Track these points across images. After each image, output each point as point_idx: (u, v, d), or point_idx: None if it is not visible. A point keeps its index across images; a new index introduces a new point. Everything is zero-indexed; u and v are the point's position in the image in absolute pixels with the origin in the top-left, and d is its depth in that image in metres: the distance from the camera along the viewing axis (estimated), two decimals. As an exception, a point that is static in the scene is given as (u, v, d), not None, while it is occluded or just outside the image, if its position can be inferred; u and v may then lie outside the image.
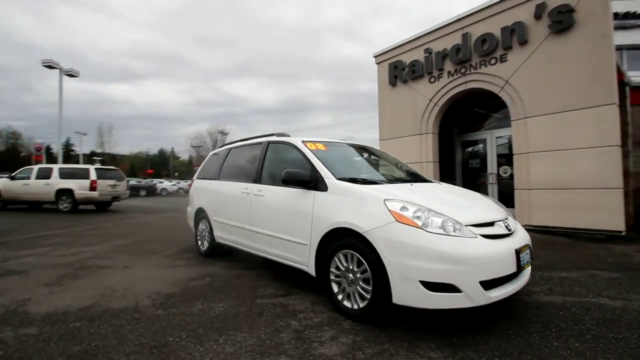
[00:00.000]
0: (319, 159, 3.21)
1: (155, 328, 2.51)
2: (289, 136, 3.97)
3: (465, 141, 9.26)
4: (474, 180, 8.82)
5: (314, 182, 3.04)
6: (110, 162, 43.28)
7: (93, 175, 11.95)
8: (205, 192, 4.90)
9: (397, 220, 2.38)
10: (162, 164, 62.76)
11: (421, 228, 2.31)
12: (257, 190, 3.71)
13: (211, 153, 5.40)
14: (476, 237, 2.34)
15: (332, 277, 2.82)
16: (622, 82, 6.58)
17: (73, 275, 3.95)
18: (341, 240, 2.72)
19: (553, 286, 3.40)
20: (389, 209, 2.45)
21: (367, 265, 2.50)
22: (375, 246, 2.41)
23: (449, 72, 7.89)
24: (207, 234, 4.80)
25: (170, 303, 3.04)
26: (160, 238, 6.65)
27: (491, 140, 8.58)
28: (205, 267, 4.28)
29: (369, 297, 2.50)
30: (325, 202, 2.89)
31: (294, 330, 2.46)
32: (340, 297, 2.74)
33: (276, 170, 3.80)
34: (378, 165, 3.95)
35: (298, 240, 3.11)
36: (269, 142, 3.94)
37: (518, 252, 2.45)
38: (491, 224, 2.57)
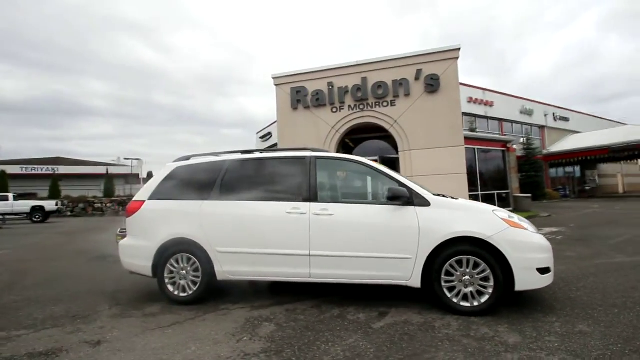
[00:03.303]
0: (404, 177, 3.42)
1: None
2: (328, 151, 3.85)
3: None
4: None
5: (411, 198, 3.24)
6: None
7: None
8: (191, 216, 3.71)
9: (510, 226, 3.06)
10: None
11: (526, 230, 3.10)
12: (320, 210, 3.37)
13: (177, 165, 4.10)
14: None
15: (443, 283, 3.10)
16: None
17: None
18: (454, 248, 3.08)
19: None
20: (500, 218, 3.10)
21: (486, 265, 3.00)
22: (499, 247, 2.97)
23: (349, 106, 9.32)
24: (192, 273, 3.65)
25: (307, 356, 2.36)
26: (27, 295, 4.18)
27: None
28: (226, 316, 3.31)
29: (490, 292, 2.99)
30: (432, 216, 3.16)
31: (462, 336, 2.60)
32: (455, 300, 3.06)
33: (343, 188, 3.62)
34: None
35: (399, 255, 3.16)
36: (316, 158, 3.65)
37: None
38: None
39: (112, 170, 40.15)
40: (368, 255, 3.24)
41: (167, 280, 3.71)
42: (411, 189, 3.28)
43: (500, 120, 23.14)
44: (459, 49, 8.48)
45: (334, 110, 9.49)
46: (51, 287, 4.63)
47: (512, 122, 23.90)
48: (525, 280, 2.96)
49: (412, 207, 3.23)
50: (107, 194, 34.47)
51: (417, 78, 8.72)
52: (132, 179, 43.03)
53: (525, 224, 3.21)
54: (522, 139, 22.52)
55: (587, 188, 27.75)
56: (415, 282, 3.15)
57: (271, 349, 2.51)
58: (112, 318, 3.32)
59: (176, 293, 3.68)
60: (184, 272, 3.68)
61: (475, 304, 3.02)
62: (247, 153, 4.05)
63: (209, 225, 3.62)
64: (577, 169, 27.92)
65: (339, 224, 3.33)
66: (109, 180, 35.92)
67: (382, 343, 2.54)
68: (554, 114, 26.48)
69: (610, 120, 31.78)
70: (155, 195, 3.97)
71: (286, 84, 9.89)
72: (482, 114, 21.89)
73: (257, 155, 3.95)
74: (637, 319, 2.79)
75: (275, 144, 31.35)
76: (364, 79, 9.11)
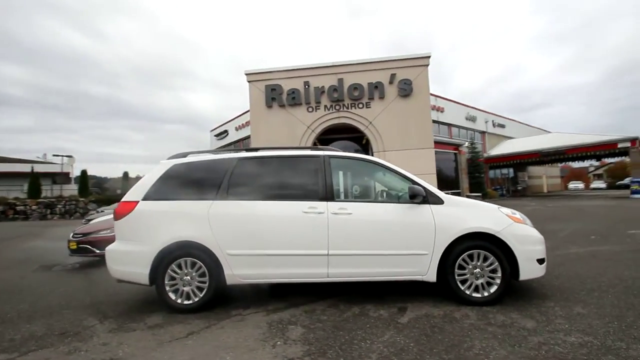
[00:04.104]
0: (416, 177, 3.56)
1: None
2: (338, 150, 3.87)
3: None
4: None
5: (427, 197, 3.38)
6: None
7: None
8: (198, 217, 3.45)
9: (514, 222, 3.35)
10: None
11: (526, 224, 3.42)
12: (338, 209, 3.37)
13: (175, 163, 3.78)
14: None
15: (456, 276, 3.29)
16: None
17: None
18: (467, 243, 3.28)
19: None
20: (505, 214, 3.38)
21: (495, 258, 3.26)
22: (507, 241, 3.24)
23: (325, 106, 9.39)
24: (197, 278, 3.43)
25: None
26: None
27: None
28: (243, 322, 3.17)
29: (498, 282, 3.25)
30: (446, 214, 3.34)
31: (486, 324, 2.80)
32: (467, 292, 3.27)
33: (356, 187, 3.64)
34: None
35: (415, 251, 3.29)
36: (330, 157, 3.64)
37: None
38: None
39: (38, 168, 35.36)
40: (386, 253, 3.32)
41: (168, 288, 3.42)
42: (426, 188, 3.43)
43: (449, 125, 25.03)
44: (429, 56, 9.02)
45: (310, 109, 9.49)
46: (10, 302, 4.01)
47: (459, 127, 25.97)
48: (528, 270, 3.27)
49: (428, 205, 3.38)
50: (31, 194, 30.33)
51: (391, 82, 9.10)
52: (61, 178, 38.46)
53: (524, 219, 3.54)
54: (466, 143, 24.59)
55: (519, 188, 31.25)
56: (431, 276, 3.30)
57: (312, 351, 2.45)
58: (112, 333, 2.97)
59: (179, 301, 3.41)
60: (188, 277, 3.43)
61: (486, 294, 3.26)
62: (252, 151, 3.89)
63: (219, 227, 3.41)
64: (511, 170, 31.28)
65: (358, 222, 3.36)
66: (34, 179, 31.60)
67: (417, 337, 2.62)
68: (492, 121, 29.36)
69: (537, 128, 36.15)
70: (151, 196, 3.62)
71: (260, 81, 9.64)
72: (435, 118, 23.40)
73: (267, 153, 3.81)
74: (617, 300, 3.24)
75: (232, 143, 30.35)
76: (340, 80, 9.25)
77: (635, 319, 2.77)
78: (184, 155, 3.94)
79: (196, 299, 3.40)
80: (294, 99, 9.51)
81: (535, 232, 3.42)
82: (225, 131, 31.54)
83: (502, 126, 30.80)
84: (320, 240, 3.34)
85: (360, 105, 9.39)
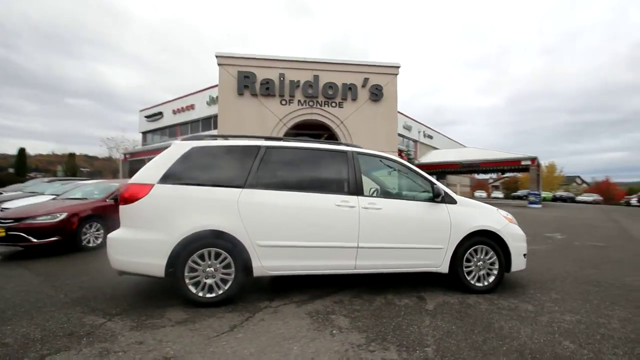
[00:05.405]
0: (434, 178, 3.91)
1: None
2: (361, 147, 4.03)
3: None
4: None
5: (444, 197, 3.76)
6: None
7: None
8: (227, 205, 3.25)
9: (508, 222, 3.93)
10: None
11: (515, 224, 4.04)
12: (368, 204, 3.53)
13: (194, 145, 3.46)
14: None
15: (464, 268, 3.74)
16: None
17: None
18: (474, 239, 3.75)
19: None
20: (502, 215, 3.95)
21: (494, 252, 3.79)
22: (504, 238, 3.79)
23: (299, 101, 9.38)
24: (221, 270, 3.26)
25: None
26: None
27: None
28: (280, 314, 3.13)
29: (495, 273, 3.79)
30: (459, 213, 3.75)
31: (498, 309, 3.27)
32: (472, 281, 3.74)
33: (386, 184, 3.84)
34: None
35: (434, 246, 3.64)
36: (358, 153, 3.77)
37: None
38: None
39: None
40: (410, 246, 3.60)
41: (187, 280, 3.16)
42: (441, 189, 3.80)
43: (389, 131, 27.01)
44: (399, 66, 9.68)
45: (283, 102, 9.35)
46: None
47: (398, 134, 28.15)
48: (518, 263, 3.88)
49: (444, 204, 3.75)
50: None
51: (363, 85, 9.52)
52: None
53: (513, 219, 4.17)
54: (403, 150, 26.81)
55: (440, 193, 35.27)
56: (444, 268, 3.69)
57: (372, 337, 2.58)
58: (136, 331, 2.65)
59: (201, 294, 3.18)
60: (212, 269, 3.22)
61: (486, 283, 3.77)
62: (273, 140, 3.79)
63: (249, 217, 3.27)
64: (435, 178, 35.05)
65: (386, 217, 3.57)
66: None
67: (453, 321, 2.95)
68: (424, 132, 32.52)
69: (458, 142, 41.22)
70: (169, 179, 3.29)
71: (232, 65, 9.13)
72: (378, 124, 25.07)
73: (295, 143, 3.76)
74: (575, 287, 4.06)
75: (168, 127, 27.85)
76: (316, 77, 9.33)
77: (599, 301, 3.54)
78: (201, 137, 3.66)
79: (220, 292, 3.22)
80: (267, 89, 9.26)
81: (521, 231, 4.07)
82: (160, 113, 28.78)
83: (431, 137, 34.34)
84: (351, 233, 3.46)
85: (334, 104, 9.61)
